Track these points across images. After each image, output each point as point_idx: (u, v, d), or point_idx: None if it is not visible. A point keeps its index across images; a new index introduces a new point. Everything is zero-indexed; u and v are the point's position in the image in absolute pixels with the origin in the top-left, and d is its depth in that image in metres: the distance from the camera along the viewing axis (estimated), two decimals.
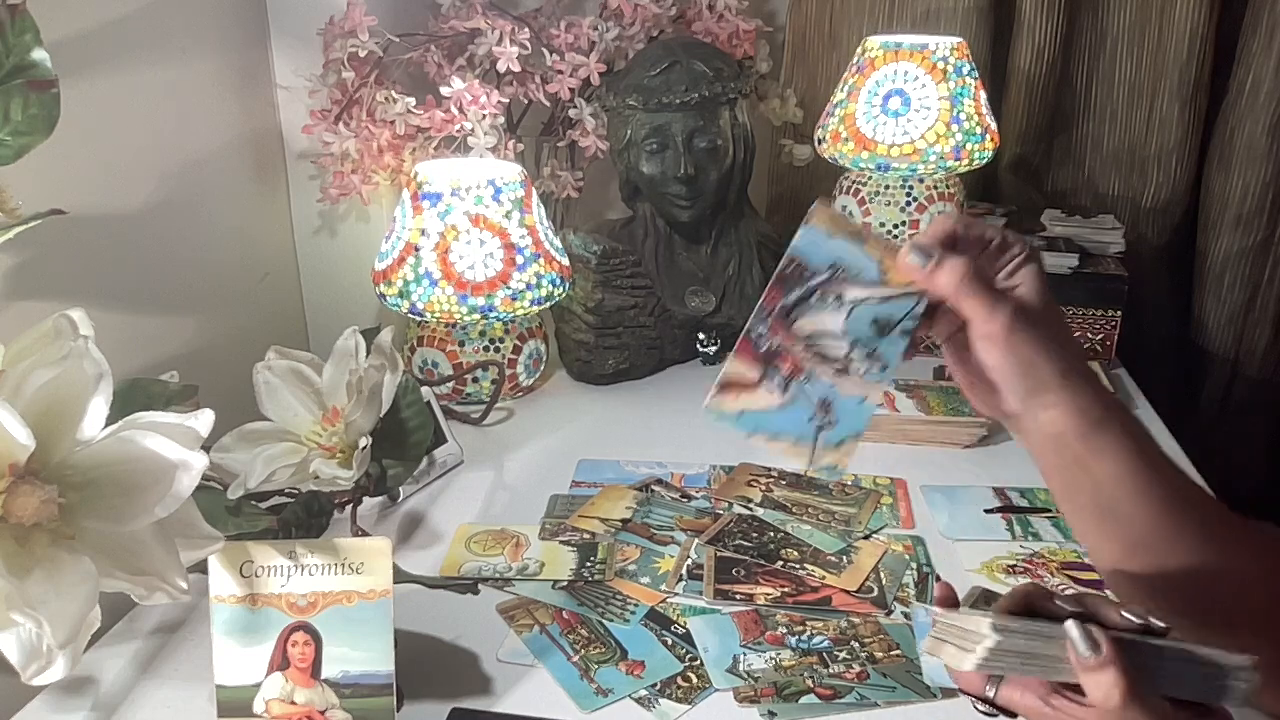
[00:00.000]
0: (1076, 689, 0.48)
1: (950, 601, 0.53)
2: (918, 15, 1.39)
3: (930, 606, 0.52)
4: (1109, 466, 0.56)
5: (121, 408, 0.54)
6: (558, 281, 1.12)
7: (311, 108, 1.16)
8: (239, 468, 0.73)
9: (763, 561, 0.86)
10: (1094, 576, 0.83)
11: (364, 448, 0.75)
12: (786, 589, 0.83)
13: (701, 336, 1.24)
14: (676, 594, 0.82)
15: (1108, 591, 0.62)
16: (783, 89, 1.43)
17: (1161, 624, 0.49)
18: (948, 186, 1.27)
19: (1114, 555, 0.58)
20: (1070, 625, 0.47)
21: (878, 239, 0.57)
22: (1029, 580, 0.56)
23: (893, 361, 0.55)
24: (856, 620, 0.79)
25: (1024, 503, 0.95)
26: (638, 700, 0.71)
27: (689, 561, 0.86)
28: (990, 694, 0.51)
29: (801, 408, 0.55)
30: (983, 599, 0.54)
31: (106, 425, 0.53)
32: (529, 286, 1.09)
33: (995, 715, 0.52)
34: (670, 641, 0.77)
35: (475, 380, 1.14)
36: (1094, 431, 0.55)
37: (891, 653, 0.75)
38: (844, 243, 0.56)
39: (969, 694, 0.53)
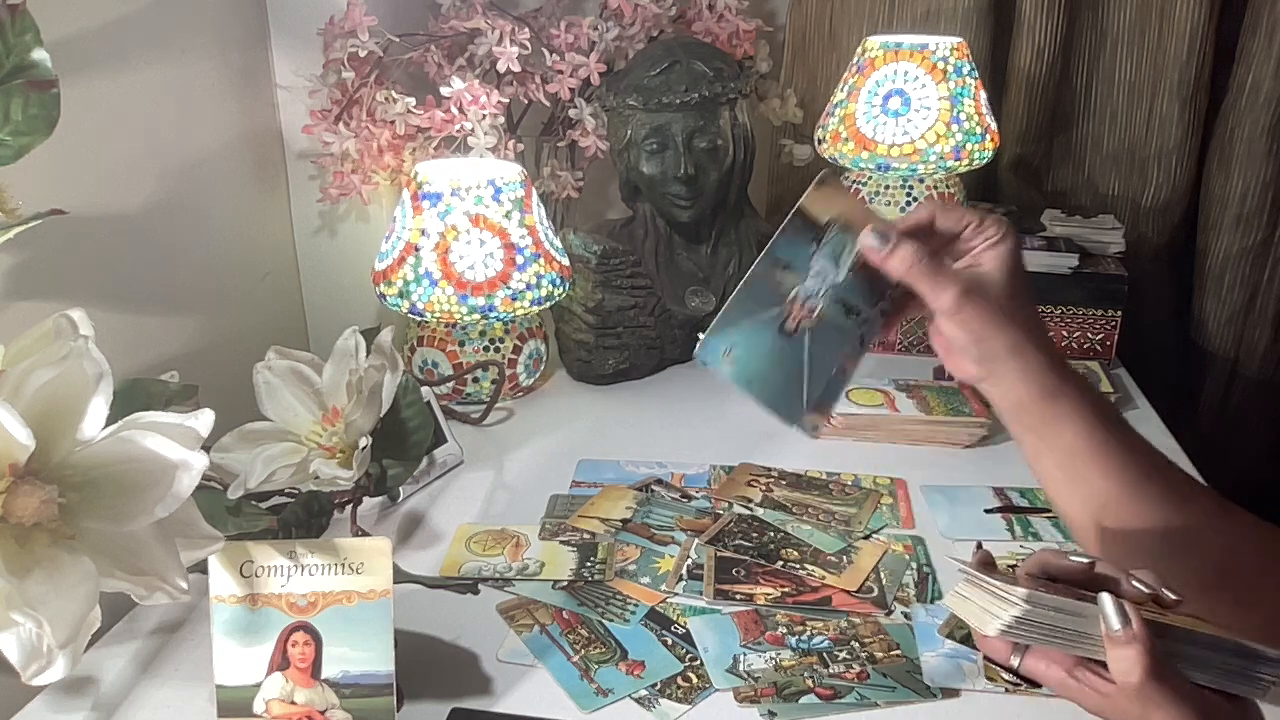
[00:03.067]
0: (1100, 665, 0.49)
1: (988, 565, 0.54)
2: (918, 15, 1.39)
3: (965, 564, 0.53)
4: (1067, 433, 0.60)
5: (121, 408, 0.54)
6: (558, 281, 1.12)
7: (311, 108, 1.16)
8: (239, 468, 0.73)
9: (763, 561, 0.86)
10: None
11: (364, 448, 0.75)
12: (786, 589, 0.83)
13: (701, 336, 1.24)
14: (676, 594, 0.82)
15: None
16: (783, 89, 1.42)
17: (1173, 595, 0.50)
18: (948, 186, 1.27)
19: (1082, 518, 0.61)
20: (1105, 596, 0.48)
21: (868, 211, 0.62)
22: (1043, 548, 0.59)
23: (870, 337, 0.62)
24: (856, 620, 0.79)
25: (1024, 503, 0.95)
26: (638, 700, 0.71)
27: (689, 561, 0.86)
28: (1015, 663, 0.52)
29: (789, 366, 0.60)
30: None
31: (106, 425, 0.53)
32: (529, 286, 1.09)
33: (1019, 684, 0.52)
34: (670, 641, 0.77)
35: (475, 380, 1.14)
36: (1049, 399, 0.60)
37: (891, 653, 0.75)
38: (835, 224, 0.62)
39: (993, 661, 0.53)
